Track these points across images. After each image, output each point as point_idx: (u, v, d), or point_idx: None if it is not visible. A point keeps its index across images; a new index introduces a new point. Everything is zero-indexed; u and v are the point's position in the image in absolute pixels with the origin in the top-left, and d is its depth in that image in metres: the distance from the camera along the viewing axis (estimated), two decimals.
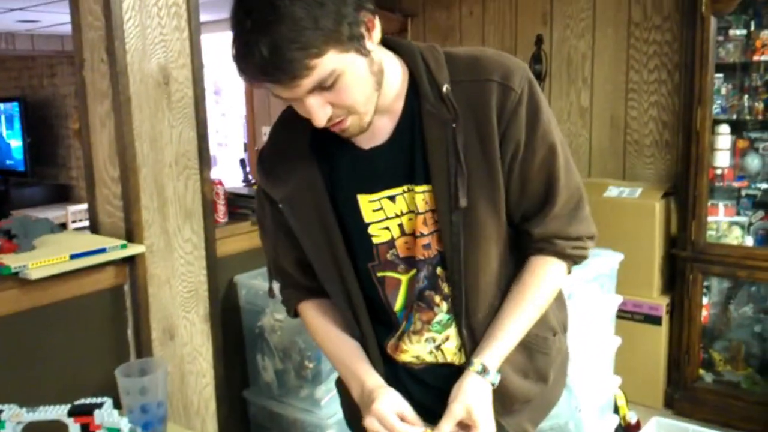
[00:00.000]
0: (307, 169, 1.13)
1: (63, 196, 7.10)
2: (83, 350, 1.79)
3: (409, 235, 1.14)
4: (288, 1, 0.89)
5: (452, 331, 1.18)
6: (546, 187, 1.14)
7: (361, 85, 1.00)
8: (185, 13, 1.90)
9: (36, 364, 1.69)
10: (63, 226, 5.59)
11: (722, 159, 3.16)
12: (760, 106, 3.10)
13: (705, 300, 3.27)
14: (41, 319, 1.69)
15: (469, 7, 4.18)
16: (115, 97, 1.78)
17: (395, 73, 1.10)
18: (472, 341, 1.16)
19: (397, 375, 1.24)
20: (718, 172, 3.17)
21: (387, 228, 1.14)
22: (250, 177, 5.29)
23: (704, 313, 3.26)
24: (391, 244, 1.15)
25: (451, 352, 1.20)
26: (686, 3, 3.28)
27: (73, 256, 1.67)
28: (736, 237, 3.18)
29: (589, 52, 3.75)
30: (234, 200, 2.35)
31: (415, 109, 1.09)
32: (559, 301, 1.32)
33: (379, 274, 1.18)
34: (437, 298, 1.17)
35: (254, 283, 2.23)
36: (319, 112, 0.99)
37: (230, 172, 6.41)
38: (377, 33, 1.02)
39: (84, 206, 5.78)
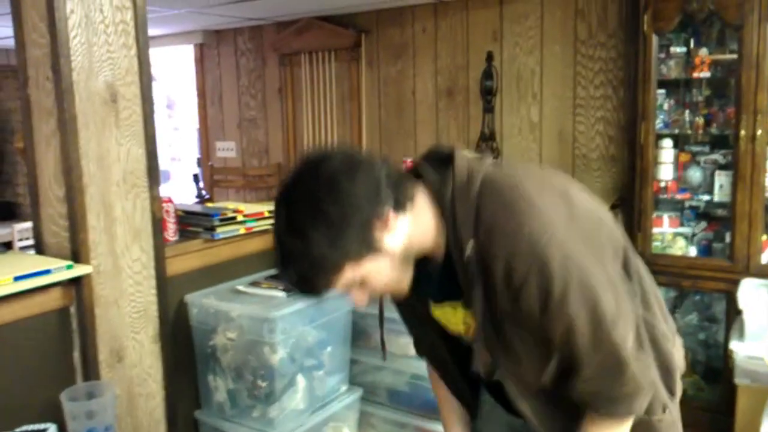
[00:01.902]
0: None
1: (9, 213, 6.88)
2: (28, 374, 1.74)
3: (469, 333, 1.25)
4: (305, 241, 1.05)
5: None
6: (571, 357, 1.12)
7: (386, 276, 1.13)
8: (133, 30, 1.88)
9: None
10: (8, 245, 5.42)
11: (666, 172, 3.27)
12: (700, 121, 3.22)
13: None
14: None
15: (422, 24, 4.24)
16: (60, 115, 1.75)
17: (431, 219, 1.15)
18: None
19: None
20: (662, 184, 3.28)
21: (455, 324, 1.27)
22: (203, 192, 5.23)
23: None
24: (460, 336, 1.28)
25: None
26: (629, 21, 3.40)
27: (17, 278, 1.63)
28: (680, 247, 3.29)
29: (538, 68, 3.84)
30: (185, 218, 2.32)
31: (453, 256, 1.15)
32: (663, 365, 1.22)
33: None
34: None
35: (205, 302, 2.21)
36: (358, 299, 1.15)
37: (183, 187, 6.32)
38: (394, 222, 1.10)
39: (30, 224, 5.61)
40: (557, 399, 1.18)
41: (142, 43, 1.92)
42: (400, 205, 1.11)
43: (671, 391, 1.22)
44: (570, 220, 1.10)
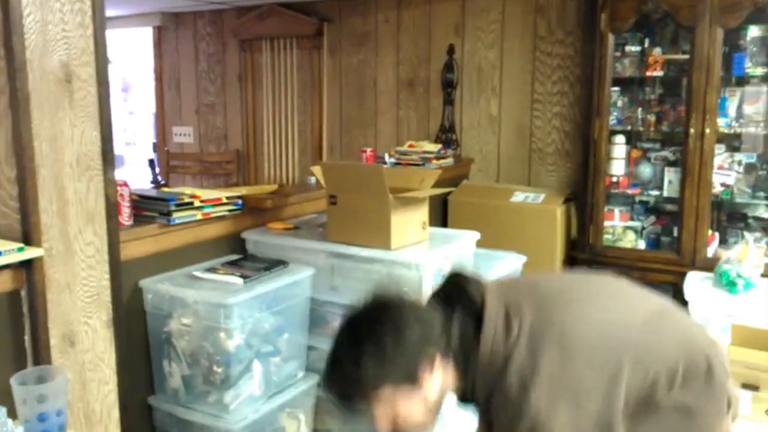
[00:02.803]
0: None
1: None
2: None
3: None
4: (358, 362, 1.20)
5: None
6: None
7: (416, 413, 1.25)
8: (90, 9, 1.84)
9: None
10: None
11: (618, 167, 3.36)
12: (652, 118, 3.32)
13: None
14: None
15: (385, 14, 4.25)
16: (12, 94, 1.70)
17: (454, 382, 1.30)
18: None
19: None
20: (614, 179, 3.37)
21: None
22: (159, 177, 5.15)
23: None
24: None
25: None
26: (587, 20, 3.47)
27: None
28: (630, 240, 3.39)
29: (498, 62, 3.90)
30: (140, 202, 2.28)
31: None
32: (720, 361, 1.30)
33: None
34: None
35: (160, 287, 2.18)
36: (381, 426, 1.25)
37: (138, 172, 6.20)
38: (438, 365, 1.24)
39: None
40: None
41: (99, 22, 1.88)
42: (446, 354, 1.26)
43: None
44: (571, 419, 1.17)
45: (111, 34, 1.93)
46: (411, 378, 1.22)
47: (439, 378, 1.26)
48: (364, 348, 1.21)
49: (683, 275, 2.98)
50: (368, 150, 3.32)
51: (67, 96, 1.82)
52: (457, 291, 1.32)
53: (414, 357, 1.22)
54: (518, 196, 3.53)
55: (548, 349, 1.20)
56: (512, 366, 1.21)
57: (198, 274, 2.26)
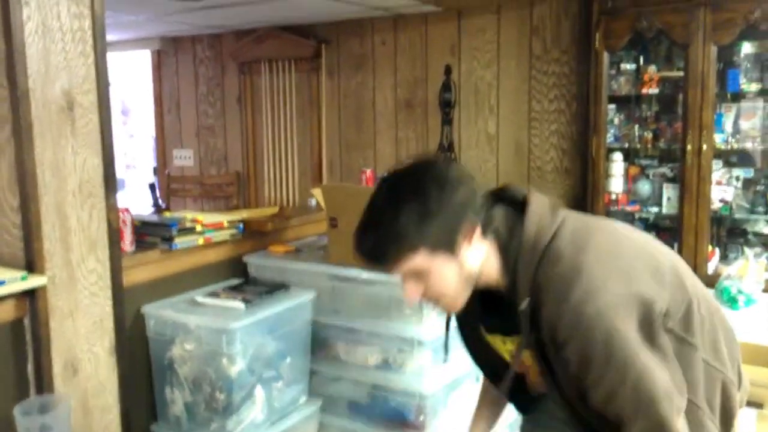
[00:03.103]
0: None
1: None
2: None
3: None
4: (399, 209, 1.12)
5: None
6: (615, 420, 1.13)
7: (448, 283, 1.18)
8: (90, 38, 1.86)
9: None
10: None
11: (616, 185, 3.38)
12: (649, 135, 3.34)
13: None
14: None
15: (382, 36, 4.28)
16: (15, 122, 1.72)
17: (492, 267, 1.21)
18: None
19: None
20: (613, 196, 3.38)
21: (504, 353, 1.35)
22: (160, 201, 5.16)
23: None
24: (508, 363, 1.34)
25: None
26: (581, 38, 3.50)
27: None
28: None
29: (495, 82, 3.92)
30: (142, 228, 2.29)
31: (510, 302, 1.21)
32: (724, 418, 1.27)
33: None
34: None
35: (163, 313, 2.18)
36: (410, 293, 1.19)
37: (139, 196, 6.21)
38: (477, 236, 1.17)
39: None
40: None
41: (100, 51, 1.90)
42: (484, 231, 1.19)
43: None
44: (625, 291, 1.11)
45: (111, 58, 1.95)
46: (450, 243, 1.14)
47: (477, 252, 1.18)
48: (405, 204, 1.12)
49: None
50: (368, 171, 3.33)
51: (69, 124, 1.84)
52: (499, 190, 1.28)
53: (456, 219, 1.14)
54: None
55: (597, 233, 1.19)
56: (561, 243, 1.15)
57: (200, 299, 2.26)
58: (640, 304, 1.11)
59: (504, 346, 1.34)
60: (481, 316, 1.35)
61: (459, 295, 1.21)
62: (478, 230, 1.17)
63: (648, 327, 1.12)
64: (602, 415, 1.15)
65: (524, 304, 1.16)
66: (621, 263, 1.15)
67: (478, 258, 1.19)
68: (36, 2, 1.73)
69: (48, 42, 1.77)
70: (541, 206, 1.21)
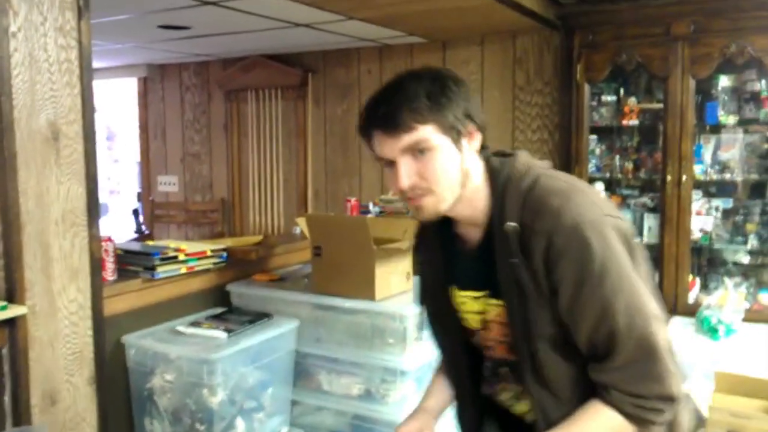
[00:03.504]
0: (436, 252, 1.34)
1: None
2: None
3: (487, 330, 1.28)
4: (415, 83, 1.14)
5: (518, 405, 1.31)
6: (606, 340, 1.12)
7: (447, 169, 1.16)
8: (77, 69, 1.88)
9: None
10: None
11: None
12: (630, 165, 3.39)
13: None
14: None
15: (367, 65, 4.34)
16: None
17: (482, 188, 1.22)
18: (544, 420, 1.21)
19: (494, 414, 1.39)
20: None
21: (470, 319, 1.31)
22: (143, 227, 5.14)
23: None
24: (474, 332, 1.31)
25: (523, 410, 1.30)
26: (563, 70, 3.57)
27: None
28: None
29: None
30: (124, 257, 2.28)
31: (494, 231, 1.20)
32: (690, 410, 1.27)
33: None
34: (499, 386, 1.33)
35: (143, 342, 2.17)
36: (405, 173, 1.15)
37: (122, 221, 6.18)
38: (476, 144, 1.19)
39: None
40: (569, 391, 1.19)
41: (86, 81, 1.91)
42: (482, 145, 1.21)
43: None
44: (611, 213, 1.15)
45: (97, 85, 1.96)
46: (458, 131, 1.15)
47: (475, 158, 1.20)
48: (423, 83, 1.15)
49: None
50: (352, 200, 3.35)
51: (54, 154, 1.84)
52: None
53: (465, 114, 1.16)
54: None
55: (580, 181, 1.23)
56: (550, 174, 1.19)
57: (181, 328, 2.24)
58: (621, 228, 1.15)
59: (474, 306, 1.29)
60: (452, 272, 1.32)
61: (450, 190, 1.17)
62: (479, 139, 1.20)
63: (629, 249, 1.14)
64: (591, 344, 1.13)
65: (513, 224, 1.15)
66: (603, 197, 1.22)
67: (474, 165, 1.20)
68: (23, 34, 1.74)
69: (34, 73, 1.78)
70: (528, 155, 1.26)
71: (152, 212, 5.14)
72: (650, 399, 1.11)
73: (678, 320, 2.98)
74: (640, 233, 3.34)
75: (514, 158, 1.22)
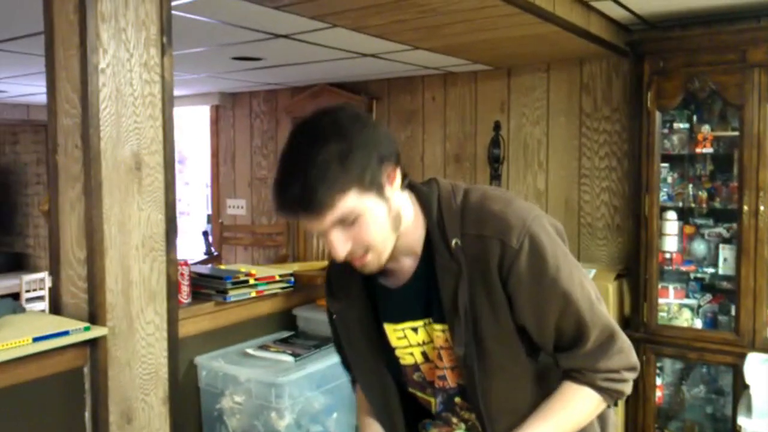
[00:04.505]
0: (358, 295, 1.29)
1: (18, 264, 6.95)
2: None
3: (431, 362, 1.26)
4: (321, 150, 1.06)
5: None
6: (574, 328, 1.17)
7: (379, 226, 1.13)
8: (160, 102, 1.97)
9: None
10: (16, 296, 5.46)
11: (671, 244, 3.31)
12: (704, 195, 3.29)
13: (659, 380, 3.35)
14: (0, 402, 1.66)
15: (432, 92, 4.38)
16: (86, 181, 1.82)
17: (414, 218, 1.21)
18: None
19: None
20: (667, 255, 3.32)
21: (411, 353, 1.27)
22: (212, 249, 5.29)
23: (658, 393, 3.34)
24: (416, 367, 1.28)
25: None
26: (633, 97, 3.51)
27: (36, 339, 1.66)
28: (686, 319, 3.30)
29: (544, 138, 3.95)
30: (198, 280, 2.37)
31: (432, 254, 1.19)
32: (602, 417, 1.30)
33: (410, 390, 1.32)
34: (454, 420, 1.30)
35: (214, 364, 2.23)
36: (340, 245, 1.12)
37: (192, 243, 6.38)
38: (398, 182, 1.16)
39: (39, 275, 5.65)
40: (520, 397, 1.22)
41: (168, 114, 2.01)
42: (403, 175, 1.18)
43: None
44: (545, 216, 1.22)
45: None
46: (377, 182, 1.10)
47: (400, 196, 1.16)
48: (327, 144, 1.05)
49: (743, 357, 2.88)
50: None
51: (137, 183, 1.94)
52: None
53: (379, 157, 1.10)
54: None
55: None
56: (478, 187, 1.22)
57: (251, 351, 2.30)
58: (552, 223, 1.22)
59: (417, 338, 1.25)
60: (381, 309, 1.28)
61: (387, 242, 1.15)
62: (399, 174, 1.15)
63: (562, 242, 1.21)
64: (559, 335, 1.17)
65: (457, 241, 1.16)
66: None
67: (401, 202, 1.18)
68: (111, 70, 1.85)
69: (120, 107, 1.88)
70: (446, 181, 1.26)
71: (221, 234, 5.29)
72: (620, 371, 1.19)
73: (755, 356, 2.85)
74: (715, 264, 3.23)
75: (435, 181, 1.23)
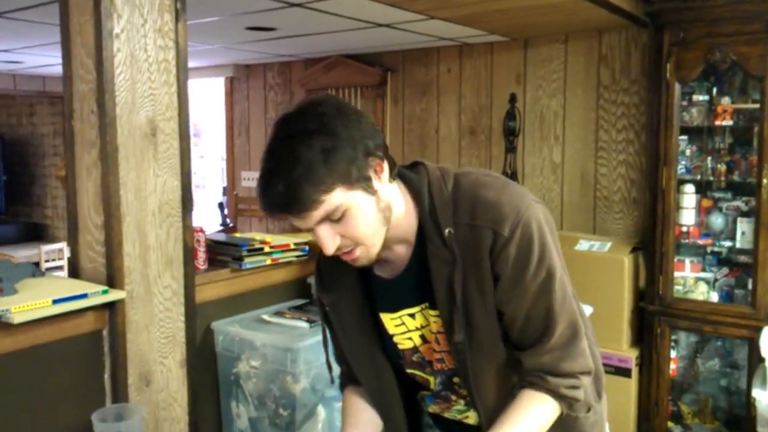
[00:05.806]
0: (352, 284, 1.28)
1: (37, 234, 7.04)
2: (61, 394, 1.80)
3: (429, 343, 1.27)
4: (304, 147, 1.04)
5: (471, 413, 1.32)
6: (542, 318, 1.17)
7: (368, 220, 1.12)
8: (174, 68, 1.98)
9: (14, 406, 1.69)
10: (36, 265, 5.54)
11: (687, 217, 3.29)
12: (722, 167, 3.25)
13: (673, 353, 3.35)
14: (21, 363, 1.70)
15: (447, 64, 4.34)
16: (102, 147, 1.84)
17: (406, 208, 1.20)
18: (488, 421, 1.24)
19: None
20: (684, 229, 3.29)
21: (410, 338, 1.28)
22: (228, 220, 5.33)
23: (673, 366, 3.34)
24: (415, 349, 1.29)
25: (472, 420, 1.33)
26: (652, 69, 3.46)
27: (55, 301, 1.69)
28: (702, 292, 3.29)
29: (561, 111, 3.91)
30: (214, 247, 2.39)
31: (425, 243, 1.19)
32: (597, 372, 1.30)
33: (408, 371, 1.33)
34: (453, 397, 1.32)
35: (231, 329, 2.26)
36: (328, 241, 1.11)
37: (207, 215, 6.43)
38: (386, 174, 1.14)
39: (57, 246, 5.73)
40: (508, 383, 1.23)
41: (182, 80, 2.01)
42: (390, 166, 1.15)
43: (599, 395, 1.31)
44: (538, 204, 1.20)
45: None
46: (364, 176, 1.08)
47: (388, 188, 1.15)
48: (311, 139, 1.03)
49: (759, 330, 2.87)
50: None
51: (152, 149, 1.95)
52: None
53: (365, 150, 1.08)
54: (583, 245, 3.49)
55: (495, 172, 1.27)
56: (468, 171, 1.21)
57: (266, 317, 2.33)
58: (545, 211, 1.21)
59: (412, 323, 1.26)
60: (377, 300, 1.28)
61: (377, 236, 1.14)
62: (386, 166, 1.14)
63: (551, 230, 1.20)
64: (526, 323, 1.17)
65: (448, 232, 1.15)
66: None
67: (391, 194, 1.16)
68: (126, 35, 1.85)
69: (135, 72, 1.88)
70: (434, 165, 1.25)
71: (236, 206, 5.33)
72: (578, 377, 1.19)
73: None
74: (733, 238, 3.20)
75: (423, 166, 1.21)
